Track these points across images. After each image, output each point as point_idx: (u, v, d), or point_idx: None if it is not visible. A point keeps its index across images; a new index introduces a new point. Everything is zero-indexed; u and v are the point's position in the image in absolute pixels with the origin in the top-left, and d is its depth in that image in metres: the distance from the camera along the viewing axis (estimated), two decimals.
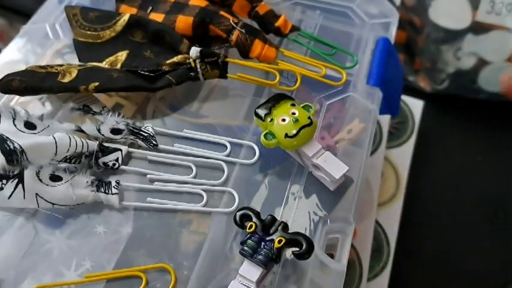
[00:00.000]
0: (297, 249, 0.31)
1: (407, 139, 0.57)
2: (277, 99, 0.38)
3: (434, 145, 0.60)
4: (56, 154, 0.34)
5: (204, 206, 0.36)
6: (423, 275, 0.50)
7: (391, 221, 0.49)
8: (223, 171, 0.37)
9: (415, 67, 0.65)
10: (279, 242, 0.31)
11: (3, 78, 0.37)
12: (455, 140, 0.62)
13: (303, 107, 0.37)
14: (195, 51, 0.40)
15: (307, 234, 0.35)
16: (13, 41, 0.46)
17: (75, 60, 0.44)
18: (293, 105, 0.37)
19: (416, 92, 0.64)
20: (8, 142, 0.32)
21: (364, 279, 0.45)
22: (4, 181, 0.34)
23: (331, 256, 0.35)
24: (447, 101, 0.66)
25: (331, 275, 0.34)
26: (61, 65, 0.39)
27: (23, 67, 0.42)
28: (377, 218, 0.49)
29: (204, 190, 0.36)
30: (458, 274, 0.50)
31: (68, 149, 0.34)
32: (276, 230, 0.32)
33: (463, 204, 0.56)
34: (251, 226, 0.32)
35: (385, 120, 0.55)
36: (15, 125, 0.35)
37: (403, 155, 0.54)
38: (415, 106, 0.60)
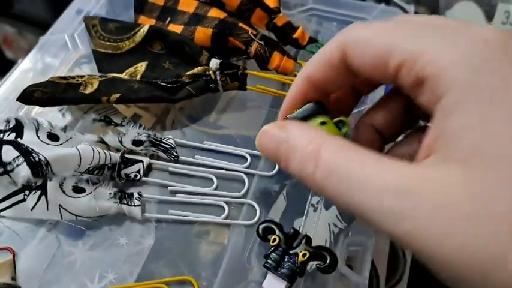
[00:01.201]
0: (321, 263, 0.31)
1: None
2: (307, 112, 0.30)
3: None
4: (79, 166, 0.34)
5: (226, 218, 0.36)
6: (443, 284, 0.50)
7: None
8: (243, 182, 0.37)
9: None
10: (304, 256, 0.31)
11: (26, 89, 0.37)
12: None
13: (335, 123, 0.30)
14: (215, 63, 0.40)
15: (328, 246, 0.35)
16: (32, 51, 0.47)
17: (92, 70, 0.44)
18: (323, 123, 0.29)
19: None
20: (34, 154, 0.32)
21: None
22: (27, 192, 0.34)
23: (350, 267, 0.36)
24: None
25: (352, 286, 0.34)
26: (82, 76, 0.40)
27: (41, 77, 0.42)
28: None
29: (225, 202, 0.36)
30: None
31: (91, 161, 0.35)
32: (300, 244, 0.32)
33: None
34: (274, 239, 0.32)
35: None
36: (38, 136, 0.35)
37: None
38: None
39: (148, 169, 0.38)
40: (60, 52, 0.47)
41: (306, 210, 0.37)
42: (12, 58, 1.06)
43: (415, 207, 0.19)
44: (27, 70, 0.45)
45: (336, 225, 0.37)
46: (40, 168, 0.32)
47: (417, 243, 0.19)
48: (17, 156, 0.32)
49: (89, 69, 0.45)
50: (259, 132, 0.27)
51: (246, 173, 0.38)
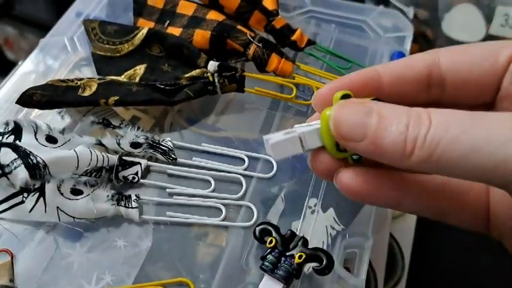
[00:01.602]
0: (317, 264, 0.31)
1: None
2: None
3: None
4: (77, 168, 0.34)
5: (223, 220, 0.36)
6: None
7: (406, 234, 0.49)
8: (241, 184, 0.38)
9: None
10: (300, 257, 0.31)
11: (25, 91, 0.37)
12: None
13: None
14: (213, 65, 0.40)
15: (325, 248, 0.35)
16: (32, 54, 0.47)
17: (92, 73, 0.44)
18: None
19: None
20: (31, 156, 0.33)
21: None
22: (25, 194, 0.34)
23: (348, 270, 0.36)
24: None
25: None
26: (81, 79, 0.40)
27: (41, 79, 0.43)
28: (391, 232, 0.49)
29: (223, 204, 0.36)
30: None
31: (89, 163, 0.35)
32: (296, 245, 0.32)
33: None
34: (271, 241, 0.32)
35: None
36: (36, 139, 0.35)
37: None
38: None
39: (146, 171, 0.38)
40: (60, 54, 0.47)
41: (303, 213, 0.37)
42: (13, 59, 1.07)
43: None
44: (27, 72, 0.45)
45: (333, 228, 0.37)
46: (38, 171, 0.32)
47: None
48: (15, 159, 0.32)
49: (88, 71, 0.45)
50: (329, 112, 0.25)
51: (243, 175, 0.38)
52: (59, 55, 0.47)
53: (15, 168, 0.32)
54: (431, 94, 0.27)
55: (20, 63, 0.47)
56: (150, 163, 0.38)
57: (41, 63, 0.46)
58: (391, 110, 0.23)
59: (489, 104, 0.27)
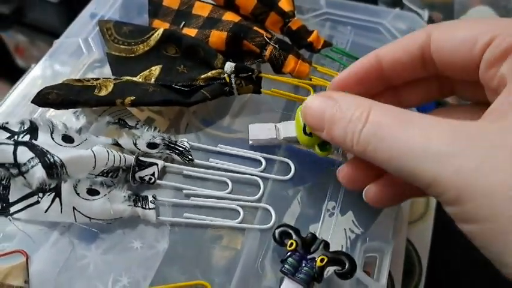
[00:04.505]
0: (340, 268, 0.30)
1: None
2: None
3: None
4: (94, 168, 0.34)
5: (241, 222, 0.35)
6: None
7: (423, 239, 0.48)
8: (258, 186, 0.37)
9: None
10: (322, 261, 0.30)
11: (41, 91, 0.37)
12: None
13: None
14: (230, 66, 0.40)
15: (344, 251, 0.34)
16: (46, 54, 0.47)
17: (105, 75, 0.44)
18: None
19: None
20: (49, 155, 0.32)
21: None
22: (41, 195, 0.34)
23: (367, 274, 0.35)
24: None
25: None
26: (97, 79, 0.39)
27: (55, 81, 0.42)
28: (408, 237, 0.48)
29: (240, 206, 0.36)
30: None
31: (106, 163, 0.34)
32: (317, 249, 0.31)
33: None
34: (292, 244, 0.31)
35: None
36: (53, 138, 0.35)
37: None
38: None
39: (163, 172, 0.37)
40: (73, 56, 0.47)
41: (322, 216, 0.37)
42: (24, 67, 1.07)
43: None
44: (42, 72, 0.45)
45: (352, 231, 0.36)
46: (55, 170, 0.32)
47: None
48: (32, 158, 0.32)
49: (102, 73, 0.45)
50: (305, 101, 0.29)
51: (261, 177, 0.37)
52: (72, 56, 0.47)
53: (32, 167, 0.32)
54: (428, 70, 0.29)
55: (33, 66, 0.47)
56: (166, 164, 0.37)
57: (56, 63, 0.46)
58: (348, 102, 0.26)
59: None
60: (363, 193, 0.31)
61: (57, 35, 0.48)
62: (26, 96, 0.42)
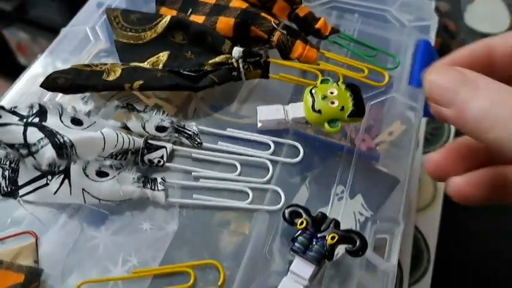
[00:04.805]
0: (350, 246, 0.30)
1: (444, 144, 0.56)
2: None
3: None
4: (103, 149, 0.34)
5: (250, 203, 0.35)
6: (466, 280, 0.49)
7: (431, 226, 0.48)
8: (267, 169, 0.37)
9: None
10: (332, 238, 0.30)
11: (50, 75, 0.37)
12: None
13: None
14: (237, 51, 0.40)
15: None
16: (53, 43, 0.47)
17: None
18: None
19: None
20: (58, 136, 0.32)
21: (405, 284, 0.44)
22: (49, 177, 0.34)
23: None
24: None
25: (379, 276, 0.33)
26: (105, 64, 0.40)
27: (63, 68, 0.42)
28: (416, 224, 0.48)
29: (250, 188, 0.36)
30: (503, 280, 0.49)
31: (115, 145, 0.34)
32: (328, 227, 0.31)
33: (503, 209, 0.54)
34: (302, 222, 0.31)
35: (421, 126, 0.54)
36: (62, 121, 0.35)
37: None
38: None
39: (171, 156, 0.37)
40: (81, 44, 0.47)
41: (331, 199, 0.36)
42: (26, 64, 1.07)
43: None
44: (49, 62, 0.45)
45: (361, 214, 0.36)
46: (65, 150, 0.32)
47: None
48: (42, 138, 0.32)
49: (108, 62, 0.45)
50: (430, 68, 0.26)
51: (269, 160, 0.37)
52: (79, 45, 0.47)
53: (42, 147, 0.32)
54: None
55: (38, 56, 0.47)
56: (175, 147, 0.37)
57: (62, 52, 0.46)
58: (486, 84, 0.23)
59: None
60: (447, 184, 0.28)
61: (59, 33, 0.48)
62: (31, 88, 0.42)
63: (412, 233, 0.46)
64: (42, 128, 0.32)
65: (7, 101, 0.41)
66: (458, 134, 0.59)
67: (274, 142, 0.38)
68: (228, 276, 0.33)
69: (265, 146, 0.39)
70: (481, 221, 0.52)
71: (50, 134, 0.32)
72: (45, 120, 0.35)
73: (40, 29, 1.09)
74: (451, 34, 0.58)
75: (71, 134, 0.33)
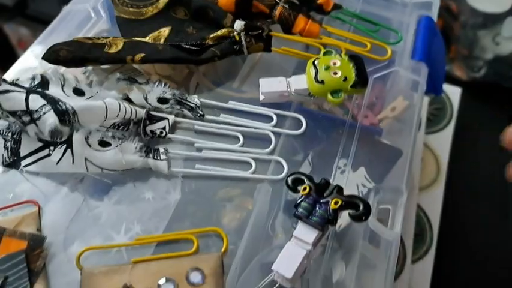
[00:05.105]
0: (353, 211, 0.30)
1: (446, 125, 0.56)
2: None
3: (473, 132, 0.59)
4: (106, 118, 0.34)
5: (253, 173, 0.35)
6: (469, 258, 0.48)
7: (433, 205, 0.48)
8: (270, 141, 0.37)
9: (451, 55, 0.64)
10: (336, 203, 0.30)
11: (51, 47, 0.37)
12: (493, 127, 0.60)
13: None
14: (239, 24, 0.39)
15: None
16: (54, 21, 0.46)
17: None
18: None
19: (452, 81, 0.63)
20: (60, 103, 0.32)
21: (408, 261, 0.44)
22: (51, 148, 0.34)
23: None
24: (484, 89, 0.64)
25: (383, 247, 0.33)
26: (106, 37, 0.39)
27: None
28: (419, 203, 0.48)
29: (253, 158, 0.35)
30: (506, 258, 0.49)
31: (117, 115, 0.34)
32: (331, 193, 0.31)
33: (502, 192, 0.54)
34: (305, 188, 0.31)
35: (424, 106, 0.54)
36: (63, 91, 0.35)
37: (442, 140, 0.53)
38: (452, 93, 0.60)
39: (174, 128, 0.37)
40: (82, 22, 0.46)
41: (333, 173, 0.36)
42: None
43: None
44: (49, 41, 0.45)
45: (364, 186, 0.36)
46: (67, 117, 0.32)
47: None
48: (44, 105, 0.32)
49: None
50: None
51: (272, 132, 0.37)
52: (81, 23, 0.46)
53: (44, 113, 0.31)
54: None
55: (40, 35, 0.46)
56: (177, 119, 0.37)
57: (63, 30, 0.46)
58: None
59: None
60: None
61: None
62: (38, 58, 0.42)
63: (415, 212, 0.46)
64: (44, 96, 0.32)
65: (9, 77, 0.41)
66: (459, 115, 0.59)
67: (276, 115, 0.38)
68: (230, 250, 0.33)
69: (267, 118, 0.38)
70: (486, 200, 0.52)
71: (52, 101, 0.32)
72: (47, 90, 0.35)
73: (41, 24, 1.09)
74: (454, 15, 0.58)
75: (73, 102, 0.33)
